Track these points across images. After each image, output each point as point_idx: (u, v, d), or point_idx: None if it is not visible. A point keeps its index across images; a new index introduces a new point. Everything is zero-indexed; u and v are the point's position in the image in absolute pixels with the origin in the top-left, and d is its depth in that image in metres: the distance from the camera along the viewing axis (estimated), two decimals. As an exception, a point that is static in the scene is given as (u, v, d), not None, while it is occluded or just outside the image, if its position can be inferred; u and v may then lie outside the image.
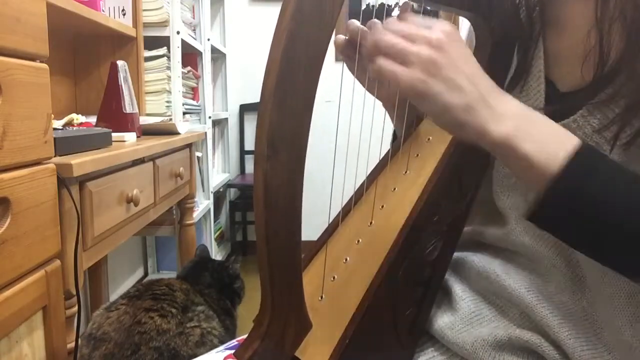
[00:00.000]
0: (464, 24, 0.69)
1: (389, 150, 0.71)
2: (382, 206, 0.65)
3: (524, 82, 0.65)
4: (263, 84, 0.44)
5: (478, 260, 0.67)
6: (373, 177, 0.69)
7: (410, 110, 0.69)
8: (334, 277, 0.60)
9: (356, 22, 0.61)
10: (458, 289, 0.67)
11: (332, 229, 0.65)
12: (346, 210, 0.67)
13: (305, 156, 0.46)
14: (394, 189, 0.66)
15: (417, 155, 0.68)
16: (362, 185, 0.69)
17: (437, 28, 0.48)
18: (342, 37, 0.64)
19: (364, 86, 0.70)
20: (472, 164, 0.66)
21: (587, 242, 0.49)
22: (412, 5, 0.61)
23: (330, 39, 0.46)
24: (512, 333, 0.60)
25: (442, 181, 0.62)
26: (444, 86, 0.46)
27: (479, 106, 0.47)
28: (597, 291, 0.58)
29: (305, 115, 0.45)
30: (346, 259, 0.62)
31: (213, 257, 2.46)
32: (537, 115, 0.49)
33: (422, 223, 0.60)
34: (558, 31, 0.63)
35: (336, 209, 0.68)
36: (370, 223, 0.64)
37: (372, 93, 0.71)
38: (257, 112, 0.45)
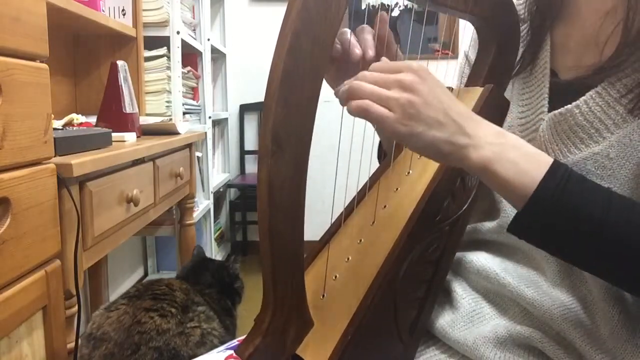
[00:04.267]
0: (467, 25, 0.69)
1: (391, 151, 0.71)
2: (385, 206, 0.65)
3: (529, 73, 0.66)
4: (268, 80, 0.44)
5: (477, 259, 0.67)
6: (375, 177, 0.69)
7: None
8: (335, 276, 0.60)
9: (347, 34, 0.62)
10: (458, 288, 0.68)
11: (334, 228, 0.65)
12: (348, 210, 0.67)
13: (309, 153, 0.46)
14: (397, 189, 0.66)
15: (420, 156, 0.68)
16: (364, 185, 0.69)
17: (407, 70, 0.51)
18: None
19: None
20: None
21: (565, 250, 0.53)
22: (414, 6, 0.61)
23: (335, 37, 0.46)
24: (513, 329, 0.61)
25: (445, 182, 0.62)
26: (425, 125, 0.50)
27: (458, 137, 0.51)
28: (592, 280, 0.59)
29: (309, 112, 0.45)
30: (348, 258, 0.62)
31: (213, 257, 2.46)
32: (513, 139, 0.52)
33: (424, 223, 0.60)
34: (567, 22, 0.65)
35: (338, 209, 0.68)
36: (373, 222, 0.64)
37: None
38: (262, 108, 0.45)
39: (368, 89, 0.51)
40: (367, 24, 0.65)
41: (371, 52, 0.64)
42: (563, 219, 0.49)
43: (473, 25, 0.67)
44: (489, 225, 0.69)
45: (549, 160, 0.51)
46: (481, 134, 0.51)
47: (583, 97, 0.59)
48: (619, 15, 0.58)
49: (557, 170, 0.50)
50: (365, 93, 0.51)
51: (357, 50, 0.62)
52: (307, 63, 0.44)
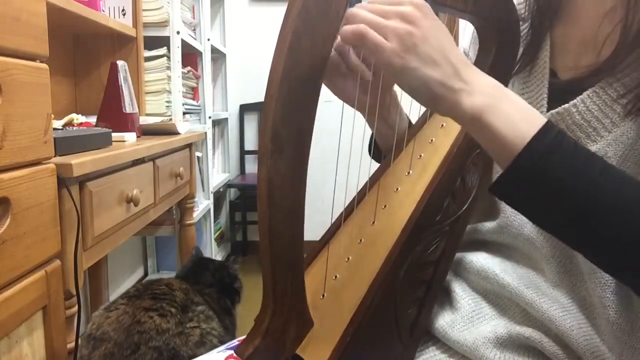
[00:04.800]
0: (468, 26, 0.69)
1: (391, 151, 0.71)
2: (385, 206, 0.65)
3: (530, 72, 0.66)
4: (268, 80, 0.44)
5: (476, 260, 0.67)
6: (376, 177, 0.69)
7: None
8: (336, 276, 0.60)
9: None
10: (458, 288, 0.68)
11: (334, 228, 0.65)
12: (348, 210, 0.67)
13: (309, 152, 0.46)
14: (397, 189, 0.66)
15: (420, 156, 0.68)
16: (365, 185, 0.69)
17: (409, 4, 0.49)
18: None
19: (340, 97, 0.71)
20: (476, 164, 0.66)
21: (546, 218, 0.50)
22: None
23: (335, 36, 0.46)
24: (513, 330, 0.61)
25: (445, 181, 0.62)
26: (421, 61, 0.48)
27: (453, 80, 0.48)
28: (591, 281, 0.59)
29: (309, 112, 0.45)
30: (348, 258, 0.62)
31: (213, 257, 2.46)
32: (509, 93, 0.50)
33: (424, 223, 0.61)
34: (566, 22, 0.65)
35: (338, 209, 0.68)
36: (373, 223, 0.64)
37: (352, 105, 0.71)
38: (262, 108, 0.45)
39: (366, 16, 0.48)
40: None
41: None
42: (546, 186, 0.47)
43: (473, 24, 0.67)
44: (488, 225, 0.69)
45: (543, 120, 0.48)
46: (477, 81, 0.49)
47: (580, 96, 0.59)
48: (618, 15, 0.58)
49: (548, 132, 0.47)
50: (364, 19, 0.48)
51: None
52: (307, 62, 0.44)
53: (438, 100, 0.49)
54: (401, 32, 0.47)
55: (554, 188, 0.47)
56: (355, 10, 0.49)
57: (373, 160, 0.81)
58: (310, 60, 0.44)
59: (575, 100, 0.60)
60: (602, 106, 0.58)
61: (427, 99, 0.50)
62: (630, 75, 0.56)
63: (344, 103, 0.67)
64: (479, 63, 0.69)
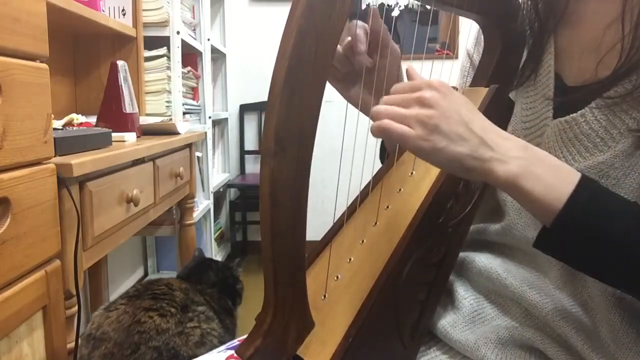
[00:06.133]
0: (473, 26, 0.69)
1: (394, 152, 0.71)
2: (387, 207, 0.65)
3: (535, 76, 0.66)
4: (271, 80, 0.44)
5: (479, 260, 0.67)
6: (378, 177, 0.69)
7: None
8: (337, 277, 0.60)
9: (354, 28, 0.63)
10: (460, 288, 0.68)
11: (336, 228, 0.65)
12: (351, 210, 0.67)
13: (312, 153, 0.46)
14: (400, 189, 0.66)
15: None
16: (367, 185, 0.68)
17: (426, 87, 0.51)
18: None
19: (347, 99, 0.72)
20: None
21: (591, 266, 0.52)
22: (414, 6, 0.61)
23: (339, 36, 0.46)
24: (515, 330, 0.61)
25: (449, 183, 0.62)
26: (447, 139, 0.49)
27: (482, 150, 0.50)
28: (594, 284, 0.59)
29: (313, 112, 0.45)
30: (350, 259, 0.61)
31: (213, 257, 2.46)
32: (538, 152, 0.52)
33: (427, 224, 0.60)
34: (571, 27, 0.65)
35: (340, 209, 0.68)
36: (375, 223, 0.64)
37: (355, 103, 0.72)
38: (263, 108, 0.45)
39: (387, 110, 0.51)
40: (369, 24, 0.65)
41: (362, 47, 0.64)
42: (590, 237, 0.49)
43: (479, 24, 0.67)
44: (493, 227, 0.68)
45: (577, 176, 0.50)
46: (506, 147, 0.50)
47: (588, 106, 0.59)
48: (621, 26, 0.57)
49: (585, 187, 0.49)
50: (386, 114, 0.51)
51: (362, 46, 0.62)
52: (311, 62, 0.43)
53: (472, 172, 0.51)
54: (422, 118, 0.49)
55: (593, 239, 0.49)
56: (377, 107, 0.52)
57: (375, 161, 0.81)
58: (314, 61, 0.44)
59: (583, 110, 0.59)
60: (611, 116, 0.57)
61: (461, 172, 0.52)
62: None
63: (344, 103, 0.67)
64: (483, 63, 0.69)
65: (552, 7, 0.66)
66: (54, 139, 0.84)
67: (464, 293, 0.67)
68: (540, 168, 0.50)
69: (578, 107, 0.59)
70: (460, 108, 0.51)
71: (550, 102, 0.63)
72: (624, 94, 0.56)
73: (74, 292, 0.92)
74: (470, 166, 0.50)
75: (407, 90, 0.52)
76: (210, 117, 2.57)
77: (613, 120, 0.57)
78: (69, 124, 1.20)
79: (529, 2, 0.68)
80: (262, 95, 3.03)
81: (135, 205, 1.21)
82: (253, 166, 3.24)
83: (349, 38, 0.67)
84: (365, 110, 0.71)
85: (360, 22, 0.64)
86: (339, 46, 0.67)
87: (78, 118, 1.23)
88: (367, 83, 0.69)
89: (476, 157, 0.50)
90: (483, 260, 0.67)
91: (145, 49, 1.86)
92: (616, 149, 0.57)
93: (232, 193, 3.27)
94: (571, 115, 0.60)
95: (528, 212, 0.53)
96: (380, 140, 0.81)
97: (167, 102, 1.95)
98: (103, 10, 1.63)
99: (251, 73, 3.10)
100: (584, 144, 0.59)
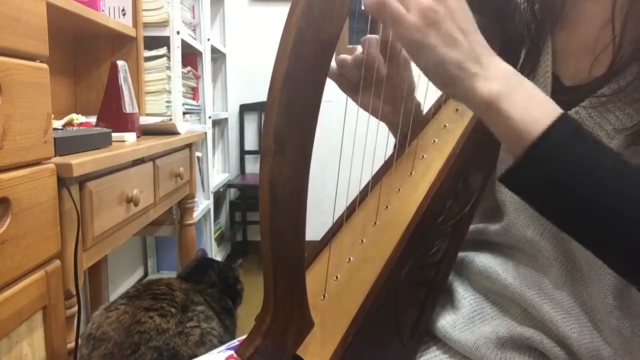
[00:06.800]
0: None
1: (394, 152, 0.71)
2: (387, 206, 0.65)
3: (533, 76, 0.66)
4: (271, 80, 0.44)
5: (478, 259, 0.67)
6: (378, 177, 0.69)
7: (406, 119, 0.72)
8: (337, 277, 0.60)
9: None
10: (460, 288, 0.68)
11: (336, 228, 0.65)
12: (350, 210, 0.67)
13: (311, 153, 0.46)
14: (399, 189, 0.66)
15: (423, 157, 0.68)
16: (366, 185, 0.69)
17: None
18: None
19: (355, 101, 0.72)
20: (478, 165, 0.66)
21: (557, 212, 0.49)
22: None
23: (338, 36, 0.46)
24: (514, 330, 0.61)
25: (448, 183, 0.62)
26: (440, 39, 0.46)
27: (471, 63, 0.47)
28: (594, 284, 0.59)
29: (312, 112, 0.45)
30: (350, 259, 0.61)
31: (212, 257, 2.46)
32: (526, 81, 0.49)
33: (426, 224, 0.60)
34: (568, 28, 0.65)
35: (339, 209, 0.68)
36: (375, 223, 0.64)
37: (367, 109, 0.72)
38: (263, 108, 0.45)
39: None
40: (368, 23, 0.65)
41: (382, 71, 0.66)
42: (558, 178, 0.45)
43: (477, 24, 0.67)
44: (492, 227, 0.69)
45: (559, 111, 0.47)
46: (496, 67, 0.47)
47: (582, 104, 0.59)
48: (614, 23, 0.57)
49: (564, 123, 0.46)
50: None
51: (381, 70, 0.65)
52: (310, 62, 0.44)
53: (453, 83, 0.48)
54: (424, 6, 0.46)
55: (566, 180, 0.45)
56: None
57: (375, 161, 0.81)
58: (314, 60, 0.44)
59: (577, 108, 0.59)
60: (605, 112, 0.58)
61: (442, 81, 0.49)
62: (634, 83, 0.55)
63: (344, 103, 0.67)
64: None
65: (549, 8, 0.66)
66: (54, 139, 0.84)
67: (463, 293, 0.67)
68: (524, 94, 0.47)
69: (574, 106, 0.60)
70: (466, 17, 0.48)
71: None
72: (610, 93, 0.56)
73: (74, 292, 0.92)
74: (455, 75, 0.47)
75: None
76: (210, 117, 2.57)
77: (607, 116, 0.58)
78: (69, 124, 1.20)
79: (525, 4, 0.68)
80: (262, 95, 3.03)
81: (135, 205, 1.21)
82: (253, 166, 3.24)
83: (359, 49, 0.67)
84: (376, 115, 0.71)
85: (371, 36, 0.64)
86: (349, 57, 0.67)
87: (78, 118, 1.23)
88: (378, 89, 0.70)
89: (463, 68, 0.47)
90: (483, 260, 0.67)
91: (145, 49, 1.86)
92: (611, 145, 0.57)
93: (232, 193, 3.27)
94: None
95: (504, 142, 0.49)
96: (380, 142, 0.81)
97: (167, 102, 1.95)
98: (103, 10, 1.63)
99: (251, 73, 3.10)
100: None
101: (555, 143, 0.45)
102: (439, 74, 0.48)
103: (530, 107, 0.46)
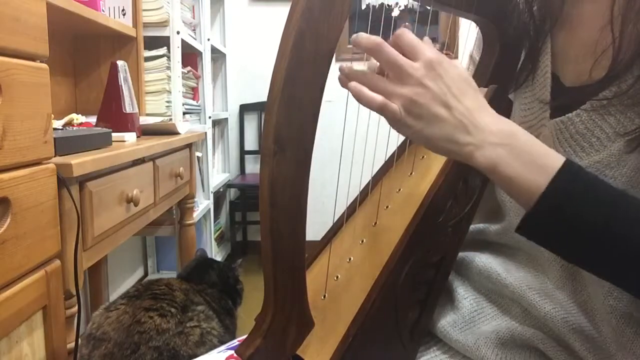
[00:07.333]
0: (472, 25, 0.69)
1: (394, 152, 0.71)
2: (387, 207, 0.65)
3: (532, 77, 0.66)
4: (271, 80, 0.44)
5: (479, 259, 0.67)
6: (378, 177, 0.69)
7: None
8: (337, 277, 0.60)
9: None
10: (460, 288, 0.68)
11: (336, 228, 0.65)
12: (350, 210, 0.67)
13: (312, 153, 0.46)
14: (399, 190, 0.66)
15: (423, 157, 0.68)
16: (367, 185, 0.69)
17: (423, 59, 0.49)
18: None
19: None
20: None
21: (573, 253, 0.51)
22: (414, 6, 0.62)
23: (338, 37, 0.46)
24: (515, 330, 0.61)
25: (448, 183, 0.62)
26: (423, 123, 0.49)
27: (460, 134, 0.49)
28: (594, 285, 0.59)
29: (312, 112, 0.45)
30: (350, 259, 0.61)
31: (212, 257, 2.46)
32: (520, 134, 0.50)
33: (426, 224, 0.60)
34: (568, 29, 0.65)
35: (340, 209, 0.68)
36: (375, 223, 0.64)
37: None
38: (263, 108, 0.45)
39: (371, 81, 0.50)
40: (368, 23, 0.65)
41: None
42: (569, 224, 0.48)
43: (477, 24, 0.67)
44: (493, 227, 0.69)
45: (558, 160, 0.49)
46: (487, 131, 0.49)
47: (584, 106, 0.59)
48: (613, 26, 0.57)
49: (564, 174, 0.48)
50: (375, 87, 0.50)
51: None
52: (310, 62, 0.44)
53: (450, 154, 0.50)
54: (405, 101, 0.49)
55: (574, 225, 0.48)
56: (370, 74, 0.51)
57: (375, 161, 0.81)
58: (314, 61, 0.44)
59: (578, 110, 0.59)
60: (606, 115, 0.57)
61: (440, 152, 0.51)
62: (635, 85, 0.56)
63: (344, 103, 0.67)
64: (483, 63, 0.69)
65: (548, 9, 0.66)
66: (54, 139, 0.84)
67: (463, 293, 0.67)
68: (520, 151, 0.48)
69: (575, 108, 0.60)
70: (450, 88, 0.49)
71: (547, 102, 0.64)
72: (611, 96, 0.56)
73: (74, 292, 0.92)
74: (448, 148, 0.49)
75: (405, 47, 0.50)
76: (210, 117, 2.57)
77: (608, 119, 0.57)
78: (69, 124, 1.20)
79: (524, 5, 0.68)
80: (262, 96, 3.03)
81: (135, 205, 1.21)
82: (253, 166, 3.24)
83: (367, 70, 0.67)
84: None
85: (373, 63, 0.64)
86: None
87: (78, 118, 1.23)
88: None
89: (453, 140, 0.49)
90: (483, 260, 0.67)
91: (145, 49, 1.86)
92: (612, 148, 0.57)
93: (232, 193, 3.27)
94: (567, 115, 0.60)
95: (511, 197, 0.52)
96: (381, 142, 0.81)
97: (167, 102, 1.95)
98: (103, 10, 1.63)
99: (251, 73, 3.10)
100: (580, 144, 0.59)
101: (560, 194, 0.47)
102: (433, 148, 0.50)
103: (530, 162, 0.48)
